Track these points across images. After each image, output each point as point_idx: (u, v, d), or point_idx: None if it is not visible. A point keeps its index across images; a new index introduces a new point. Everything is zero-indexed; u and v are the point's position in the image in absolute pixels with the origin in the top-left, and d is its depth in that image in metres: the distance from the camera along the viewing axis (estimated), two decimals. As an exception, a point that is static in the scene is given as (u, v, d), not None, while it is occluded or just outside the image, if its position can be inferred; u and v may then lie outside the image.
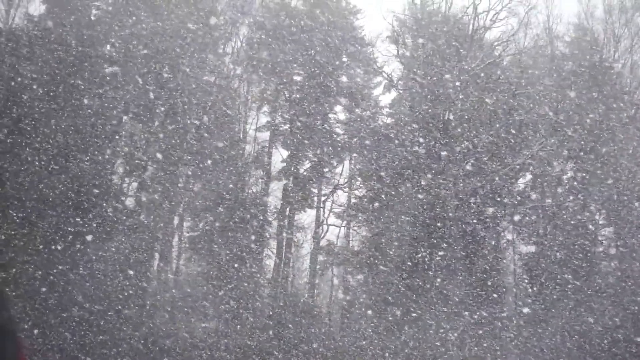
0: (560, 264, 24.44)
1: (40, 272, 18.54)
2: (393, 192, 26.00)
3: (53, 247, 19.17)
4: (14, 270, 18.03)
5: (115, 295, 20.01)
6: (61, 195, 19.88)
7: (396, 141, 27.17)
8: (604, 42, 31.02)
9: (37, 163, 19.72)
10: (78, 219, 20.14)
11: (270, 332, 23.05)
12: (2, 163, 19.25)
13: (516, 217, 26.37)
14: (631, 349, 22.08)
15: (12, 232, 18.47)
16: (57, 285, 18.69)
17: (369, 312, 24.11)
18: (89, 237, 20.05)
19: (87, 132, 21.54)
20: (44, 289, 18.41)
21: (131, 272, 20.91)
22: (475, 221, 24.89)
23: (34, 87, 20.58)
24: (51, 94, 20.87)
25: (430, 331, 22.00)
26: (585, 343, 22.41)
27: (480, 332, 22.41)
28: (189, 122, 25.00)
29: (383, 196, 26.38)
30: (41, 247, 18.94)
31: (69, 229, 19.78)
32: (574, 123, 26.65)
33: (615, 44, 30.56)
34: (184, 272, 27.79)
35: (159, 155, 24.64)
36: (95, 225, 20.58)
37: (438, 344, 21.68)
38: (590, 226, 26.18)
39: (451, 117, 26.13)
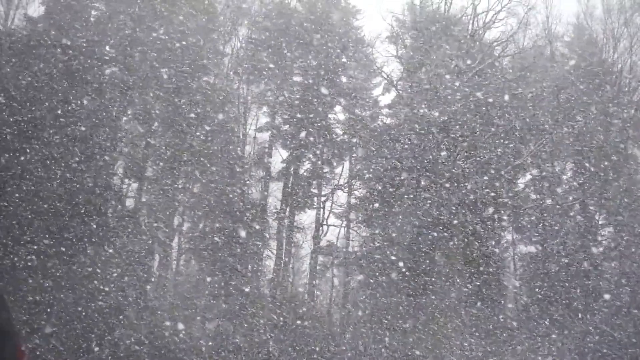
0: (560, 264, 24.44)
1: (40, 275, 18.53)
2: (393, 193, 26.01)
3: (53, 249, 19.16)
4: (14, 272, 18.04)
5: (115, 296, 20.01)
6: (61, 197, 19.88)
7: (396, 141, 27.17)
8: (603, 42, 31.05)
9: (37, 165, 19.71)
10: (78, 221, 20.14)
11: (270, 333, 23.04)
12: (2, 165, 19.25)
13: (516, 217, 26.39)
14: (632, 349, 22.07)
15: (12, 236, 18.47)
16: (57, 287, 18.68)
17: (369, 312, 24.11)
18: (89, 239, 20.06)
19: (86, 133, 21.55)
20: (43, 291, 18.41)
21: (131, 274, 20.90)
22: (475, 221, 24.90)
23: (33, 88, 20.59)
24: (50, 95, 20.87)
25: (431, 331, 22.00)
26: (587, 343, 22.40)
27: (481, 332, 22.40)
28: (188, 122, 24.99)
29: (383, 196, 26.39)
30: (41, 249, 18.93)
31: (70, 230, 19.78)
32: (573, 123, 26.67)
33: (614, 44, 30.58)
34: (184, 273, 27.80)
35: (159, 156, 24.66)
36: (95, 226, 20.58)
37: (439, 347, 21.67)
38: (592, 229, 26.18)
39: (450, 117, 26.14)
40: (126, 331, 19.81)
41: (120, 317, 19.95)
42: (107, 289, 19.63)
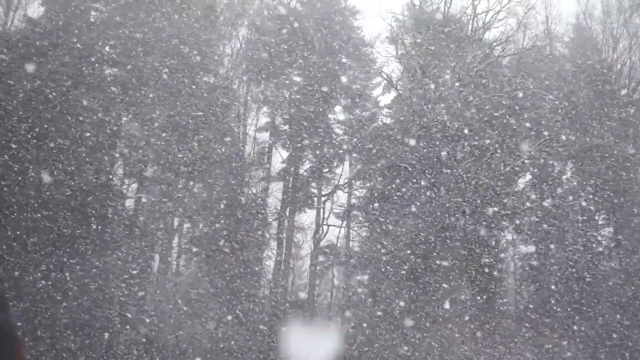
0: (560, 264, 24.45)
1: (40, 275, 18.55)
2: (393, 193, 26.01)
3: (53, 249, 19.17)
4: (14, 273, 18.04)
5: (116, 297, 20.03)
6: (61, 198, 19.89)
7: (396, 142, 27.18)
8: (602, 42, 31.06)
9: (36, 165, 19.71)
10: (78, 221, 20.14)
11: (270, 333, 23.05)
12: (2, 166, 19.24)
13: (516, 217, 26.39)
14: (631, 350, 22.09)
15: (12, 236, 18.47)
16: (57, 288, 18.70)
17: (370, 312, 24.12)
18: (89, 239, 20.07)
19: (86, 133, 21.55)
20: (43, 291, 18.42)
21: (131, 274, 20.93)
22: (475, 221, 24.90)
23: (33, 89, 20.59)
24: (50, 96, 20.88)
25: (431, 331, 22.01)
26: (586, 343, 22.42)
27: (481, 332, 22.42)
28: (188, 123, 25.01)
29: (384, 197, 26.39)
30: (41, 249, 18.94)
31: (69, 231, 19.78)
32: (573, 123, 26.67)
33: (614, 44, 30.60)
34: (184, 273, 27.80)
35: (159, 157, 24.66)
36: (95, 226, 20.60)
37: (438, 345, 21.68)
38: (592, 233, 26.17)
39: (450, 118, 26.14)
40: (126, 330, 19.84)
41: (121, 316, 19.98)
42: (107, 288, 19.67)
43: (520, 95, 26.69)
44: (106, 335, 19.28)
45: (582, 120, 26.74)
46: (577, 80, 28.09)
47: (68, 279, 18.86)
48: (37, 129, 20.07)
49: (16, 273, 18.04)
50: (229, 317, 23.07)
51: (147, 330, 20.82)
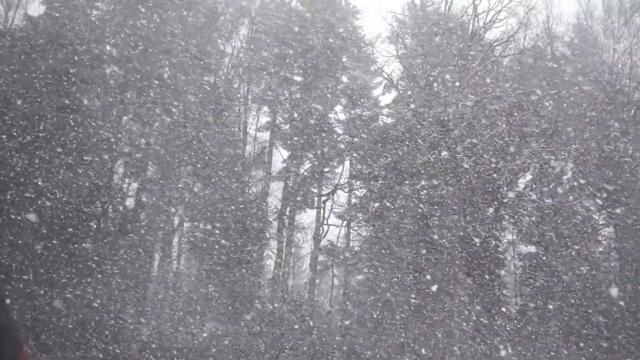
0: (560, 264, 24.43)
1: (40, 274, 18.54)
2: (393, 192, 26.00)
3: (53, 248, 19.15)
4: (14, 273, 18.04)
5: (116, 296, 20.02)
6: (61, 197, 19.88)
7: (396, 141, 27.16)
8: (603, 42, 31.07)
9: (36, 164, 19.69)
10: (78, 220, 20.14)
11: (270, 333, 23.03)
12: (1, 164, 19.22)
13: (516, 217, 26.37)
14: (633, 351, 22.07)
15: (12, 235, 18.45)
16: (57, 287, 18.68)
17: (370, 312, 24.10)
18: (89, 238, 20.08)
19: (86, 132, 21.53)
20: (43, 291, 18.41)
21: (131, 273, 20.92)
22: (475, 221, 24.88)
23: (33, 88, 20.56)
24: (51, 95, 20.86)
25: (431, 331, 21.99)
26: (586, 343, 22.41)
27: (481, 332, 22.40)
28: (189, 122, 25.00)
29: (383, 196, 26.38)
30: (41, 248, 18.93)
31: (69, 230, 19.77)
32: (573, 123, 26.65)
33: (614, 45, 30.59)
34: (184, 272, 27.80)
35: (159, 156, 24.65)
36: (95, 226, 20.60)
37: (440, 345, 21.67)
38: (590, 229, 26.15)
39: (451, 117, 26.12)
40: (126, 329, 19.84)
41: (120, 315, 19.98)
42: (107, 287, 19.67)
43: (521, 95, 26.67)
44: (107, 335, 19.26)
45: (583, 120, 26.71)
46: (578, 80, 28.08)
47: (68, 278, 18.83)
48: (37, 128, 20.03)
49: (16, 274, 18.02)
50: (228, 317, 23.05)
51: (147, 329, 20.81)
